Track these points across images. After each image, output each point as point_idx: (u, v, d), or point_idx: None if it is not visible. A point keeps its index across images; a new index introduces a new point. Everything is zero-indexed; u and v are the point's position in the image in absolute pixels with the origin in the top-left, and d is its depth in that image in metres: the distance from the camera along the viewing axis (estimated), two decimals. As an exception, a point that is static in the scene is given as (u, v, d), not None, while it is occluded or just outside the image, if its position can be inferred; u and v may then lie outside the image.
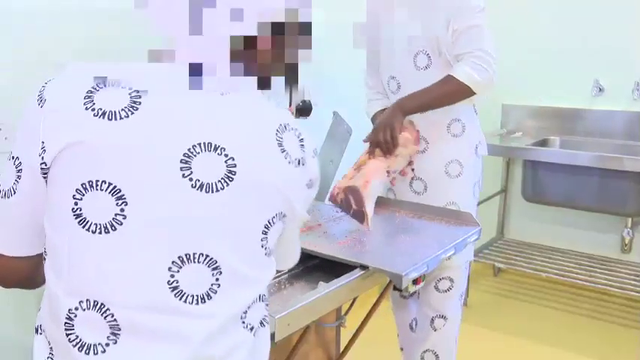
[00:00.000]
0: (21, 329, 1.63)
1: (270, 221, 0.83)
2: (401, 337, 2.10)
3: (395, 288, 1.65)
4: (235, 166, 0.78)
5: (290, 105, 2.03)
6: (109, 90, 0.77)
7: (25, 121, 0.79)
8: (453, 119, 1.79)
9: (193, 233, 0.77)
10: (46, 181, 0.78)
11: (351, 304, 1.74)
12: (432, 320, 1.90)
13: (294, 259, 1.05)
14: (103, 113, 0.75)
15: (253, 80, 0.84)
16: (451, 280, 1.86)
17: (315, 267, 1.49)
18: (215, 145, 0.78)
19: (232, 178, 0.78)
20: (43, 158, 0.76)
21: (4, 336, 1.59)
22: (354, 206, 1.61)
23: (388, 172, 1.73)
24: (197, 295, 0.78)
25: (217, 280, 0.79)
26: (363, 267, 1.33)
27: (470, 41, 1.64)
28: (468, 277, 2.98)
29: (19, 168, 0.79)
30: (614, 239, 3.09)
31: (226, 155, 0.78)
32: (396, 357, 2.13)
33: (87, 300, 0.76)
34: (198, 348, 0.78)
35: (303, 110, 2.01)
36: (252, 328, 0.85)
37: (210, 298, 0.79)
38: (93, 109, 0.75)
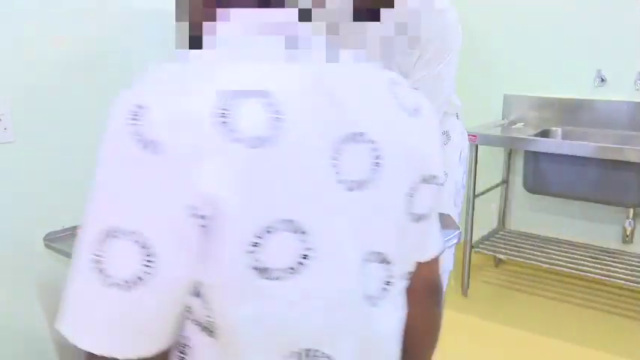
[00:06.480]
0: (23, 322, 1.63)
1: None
2: None
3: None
4: (378, 149, 0.66)
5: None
6: (241, 104, 0.56)
7: (128, 181, 0.54)
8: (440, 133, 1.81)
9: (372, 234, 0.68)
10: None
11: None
12: None
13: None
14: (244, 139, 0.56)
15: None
16: None
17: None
18: (358, 132, 0.65)
19: (379, 164, 0.67)
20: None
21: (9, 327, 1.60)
22: None
23: None
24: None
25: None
26: None
27: (430, 92, 1.68)
28: (469, 272, 3.02)
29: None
30: (615, 230, 3.09)
31: (371, 141, 0.66)
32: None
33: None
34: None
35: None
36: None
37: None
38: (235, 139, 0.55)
